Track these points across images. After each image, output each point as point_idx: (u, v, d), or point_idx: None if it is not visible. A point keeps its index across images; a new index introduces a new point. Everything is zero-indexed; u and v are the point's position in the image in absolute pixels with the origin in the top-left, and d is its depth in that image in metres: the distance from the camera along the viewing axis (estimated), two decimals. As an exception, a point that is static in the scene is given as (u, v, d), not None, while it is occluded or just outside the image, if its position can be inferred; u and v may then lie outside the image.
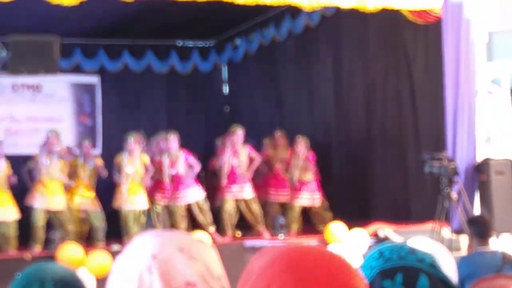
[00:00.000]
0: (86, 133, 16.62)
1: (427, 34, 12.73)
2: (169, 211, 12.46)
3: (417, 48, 13.09)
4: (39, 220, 11.72)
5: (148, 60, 17.18)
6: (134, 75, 17.14)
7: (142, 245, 1.62)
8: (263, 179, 13.29)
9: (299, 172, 12.83)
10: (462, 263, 6.45)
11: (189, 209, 12.41)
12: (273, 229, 12.59)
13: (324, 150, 13.51)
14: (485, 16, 11.89)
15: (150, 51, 17.20)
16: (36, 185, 11.89)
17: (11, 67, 14.50)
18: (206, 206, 12.50)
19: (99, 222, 12.20)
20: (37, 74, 14.79)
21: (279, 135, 13.54)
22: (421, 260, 1.82)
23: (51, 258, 10.66)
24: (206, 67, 17.93)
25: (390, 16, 12.13)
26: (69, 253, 10.75)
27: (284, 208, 13.05)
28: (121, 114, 16.83)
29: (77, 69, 16.61)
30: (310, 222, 13.07)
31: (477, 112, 11.77)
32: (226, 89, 18.73)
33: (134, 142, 12.15)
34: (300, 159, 12.82)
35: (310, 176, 12.86)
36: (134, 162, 12.11)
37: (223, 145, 12.92)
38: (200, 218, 12.39)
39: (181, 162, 12.40)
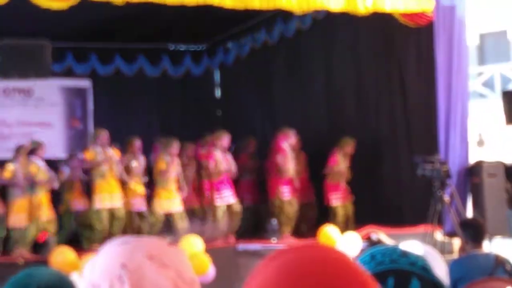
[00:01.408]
0: (77, 137, 16.58)
1: (419, 37, 12.73)
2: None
3: (409, 51, 13.09)
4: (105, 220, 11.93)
5: (140, 64, 17.16)
6: (126, 79, 17.12)
7: (112, 254, 1.61)
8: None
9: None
10: (455, 266, 6.44)
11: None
12: (266, 232, 12.58)
13: (316, 153, 13.49)
14: (476, 18, 11.90)
15: (142, 55, 17.17)
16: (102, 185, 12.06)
17: (2, 71, 14.47)
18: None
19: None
20: (28, 78, 14.76)
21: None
22: (413, 263, 1.81)
23: (44, 262, 10.63)
24: (198, 71, 17.92)
25: (382, 19, 12.13)
26: (62, 257, 10.71)
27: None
28: (113, 118, 16.77)
29: (69, 73, 16.57)
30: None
31: (470, 115, 11.79)
32: (218, 93, 18.72)
33: (176, 147, 12.49)
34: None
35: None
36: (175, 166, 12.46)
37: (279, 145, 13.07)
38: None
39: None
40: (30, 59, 13.99)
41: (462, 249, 7.16)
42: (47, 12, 10.45)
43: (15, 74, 14.37)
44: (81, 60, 16.60)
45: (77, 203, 12.82)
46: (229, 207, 12.56)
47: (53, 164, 12.76)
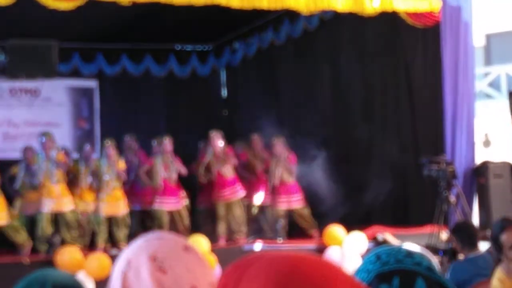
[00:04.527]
0: (84, 137, 16.60)
1: (425, 37, 12.73)
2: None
3: (415, 51, 13.09)
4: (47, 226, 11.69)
5: (146, 64, 17.18)
6: (133, 79, 17.14)
7: (129, 248, 1.64)
8: (247, 183, 13.21)
9: (282, 174, 12.80)
10: (455, 270, 6.43)
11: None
12: (273, 232, 12.57)
13: (322, 153, 13.49)
14: (482, 19, 11.90)
15: (149, 55, 17.19)
16: (40, 190, 11.81)
17: (9, 71, 14.50)
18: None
19: (99, 226, 12.13)
20: (35, 78, 14.79)
21: (255, 138, 13.60)
22: (418, 263, 1.81)
23: (50, 262, 10.66)
24: (205, 71, 17.93)
25: (389, 20, 12.13)
26: (68, 256, 10.74)
27: (266, 211, 13.04)
28: (119, 118, 16.82)
29: (75, 73, 16.59)
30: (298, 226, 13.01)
31: (476, 115, 11.78)
32: (224, 93, 18.74)
33: (111, 147, 12.19)
34: (281, 161, 12.80)
35: (291, 178, 12.83)
36: (112, 169, 12.14)
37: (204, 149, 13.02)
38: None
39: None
40: (37, 59, 14.02)
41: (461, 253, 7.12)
42: (54, 13, 10.48)
43: (22, 74, 14.40)
44: (88, 60, 16.63)
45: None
46: (171, 213, 12.50)
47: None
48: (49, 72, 14.37)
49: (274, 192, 12.76)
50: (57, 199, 11.73)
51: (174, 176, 12.50)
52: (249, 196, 12.99)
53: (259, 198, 12.34)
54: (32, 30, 13.69)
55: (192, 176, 13.26)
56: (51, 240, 11.70)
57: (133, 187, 13.11)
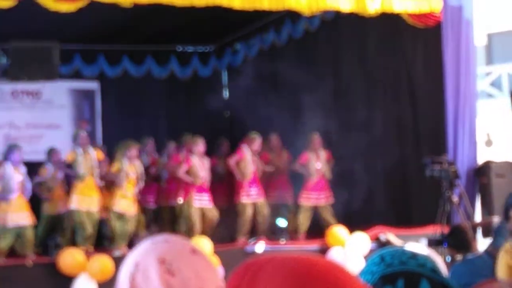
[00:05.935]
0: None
1: (426, 37, 12.72)
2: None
3: (416, 51, 13.09)
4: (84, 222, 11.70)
5: (148, 65, 17.18)
6: (134, 81, 17.14)
7: (135, 250, 1.65)
8: (270, 182, 13.31)
9: (321, 169, 12.91)
10: (456, 272, 6.41)
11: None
12: (275, 233, 12.56)
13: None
14: (484, 18, 11.88)
15: (150, 57, 17.20)
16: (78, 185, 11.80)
17: (11, 73, 14.51)
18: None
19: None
20: (36, 80, 14.79)
21: (274, 138, 13.65)
22: (422, 265, 1.81)
23: (53, 264, 10.65)
24: (206, 72, 17.93)
25: (390, 20, 12.12)
26: (71, 258, 10.72)
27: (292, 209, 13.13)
28: (121, 119, 16.81)
29: (77, 75, 16.60)
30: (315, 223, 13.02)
31: (478, 115, 11.77)
32: (226, 94, 18.73)
33: (135, 150, 12.21)
34: (320, 156, 12.94)
35: (328, 174, 12.96)
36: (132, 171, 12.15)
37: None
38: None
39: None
40: (39, 61, 14.02)
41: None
42: (55, 14, 10.49)
43: (23, 76, 14.40)
44: (89, 62, 16.63)
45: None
46: (204, 211, 12.46)
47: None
48: (50, 74, 14.38)
49: (304, 188, 12.94)
50: (92, 197, 11.86)
51: (207, 176, 12.66)
52: (276, 197, 13.23)
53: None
54: (33, 32, 13.69)
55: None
56: (53, 242, 11.65)
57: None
